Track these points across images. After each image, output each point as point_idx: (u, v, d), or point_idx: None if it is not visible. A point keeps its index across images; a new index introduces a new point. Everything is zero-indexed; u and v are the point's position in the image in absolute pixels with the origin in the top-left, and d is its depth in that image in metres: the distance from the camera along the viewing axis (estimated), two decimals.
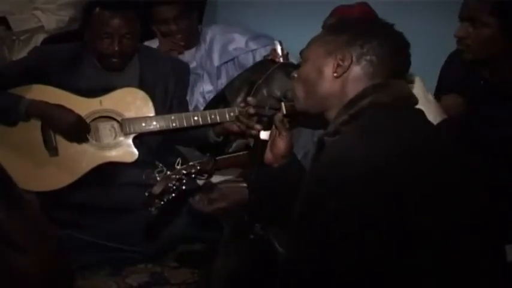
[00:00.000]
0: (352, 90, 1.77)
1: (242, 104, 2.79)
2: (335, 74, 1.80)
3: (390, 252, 1.54)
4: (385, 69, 1.79)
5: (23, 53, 3.52)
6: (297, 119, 2.09)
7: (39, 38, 3.82)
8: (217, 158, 2.31)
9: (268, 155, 2.02)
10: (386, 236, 1.53)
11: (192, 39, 3.80)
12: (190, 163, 2.19)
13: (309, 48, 1.91)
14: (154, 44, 3.73)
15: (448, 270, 1.57)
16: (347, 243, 1.55)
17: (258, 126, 2.03)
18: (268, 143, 2.04)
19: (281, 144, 2.00)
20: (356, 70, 1.79)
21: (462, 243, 1.60)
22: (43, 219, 1.13)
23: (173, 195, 2.10)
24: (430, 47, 3.42)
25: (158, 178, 2.11)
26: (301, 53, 2.33)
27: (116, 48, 3.00)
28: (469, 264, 1.60)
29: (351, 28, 1.85)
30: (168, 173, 2.11)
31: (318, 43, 1.88)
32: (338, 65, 1.80)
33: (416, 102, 1.83)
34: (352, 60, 1.79)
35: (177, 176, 2.10)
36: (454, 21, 2.71)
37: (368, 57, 1.79)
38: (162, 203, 2.12)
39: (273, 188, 1.97)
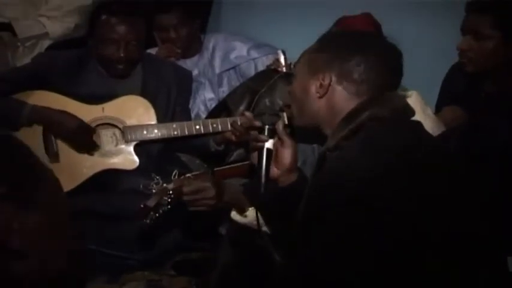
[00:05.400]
0: (339, 109, 1.77)
1: (241, 119, 2.79)
2: (317, 94, 1.80)
3: (391, 263, 1.54)
4: (370, 86, 1.77)
5: (27, 59, 3.53)
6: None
7: (44, 45, 3.82)
8: (214, 169, 2.29)
9: (274, 170, 1.98)
10: (388, 248, 1.54)
11: (192, 47, 3.81)
12: (187, 175, 2.18)
13: (297, 64, 1.91)
14: (154, 52, 3.74)
15: (448, 280, 1.57)
16: (349, 256, 1.55)
17: (263, 137, 1.99)
18: (273, 155, 2.01)
19: (286, 155, 1.98)
20: (338, 89, 1.78)
21: (463, 253, 1.61)
22: (63, 224, 1.11)
23: (169, 207, 2.10)
24: (432, 60, 3.42)
25: (154, 190, 2.10)
26: (294, 66, 2.33)
27: (122, 55, 3.01)
28: (469, 274, 1.60)
29: (331, 46, 1.83)
30: (164, 185, 2.10)
31: (303, 61, 1.88)
32: (321, 85, 1.79)
33: (413, 114, 1.82)
34: (331, 80, 1.78)
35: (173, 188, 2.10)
36: (457, 34, 2.71)
37: (349, 76, 1.77)
38: (157, 215, 2.11)
39: (283, 210, 1.92)
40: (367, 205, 1.55)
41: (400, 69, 1.84)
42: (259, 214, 1.95)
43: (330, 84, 1.78)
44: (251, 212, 2.02)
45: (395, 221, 1.55)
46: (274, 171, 1.98)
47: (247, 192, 2.09)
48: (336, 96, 1.78)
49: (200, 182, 2.05)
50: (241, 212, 2.05)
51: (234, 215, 2.07)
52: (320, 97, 1.80)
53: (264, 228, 1.98)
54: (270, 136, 1.98)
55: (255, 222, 1.98)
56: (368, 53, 1.79)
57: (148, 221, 2.14)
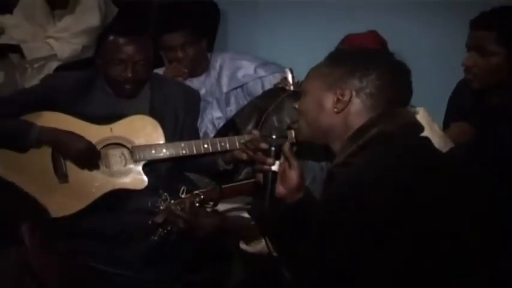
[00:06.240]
0: (355, 123, 1.78)
1: (248, 137, 2.80)
2: (335, 109, 1.81)
3: (398, 270, 1.58)
4: (385, 100, 1.79)
5: (35, 81, 3.56)
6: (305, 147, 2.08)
7: (52, 66, 3.85)
8: (223, 186, 2.30)
9: (280, 189, 1.96)
10: (395, 256, 1.58)
11: (199, 67, 3.83)
12: (195, 192, 2.20)
13: (307, 80, 1.92)
14: (162, 72, 3.75)
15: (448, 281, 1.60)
16: (360, 262, 1.58)
17: (270, 160, 1.97)
18: (278, 176, 2.00)
19: (293, 175, 1.95)
20: (356, 103, 1.80)
21: (466, 262, 1.63)
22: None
23: None
24: (440, 75, 3.43)
25: (162, 207, 2.11)
26: (300, 84, 2.34)
27: (130, 75, 3.02)
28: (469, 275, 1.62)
29: (348, 60, 1.85)
30: (172, 202, 2.11)
31: (316, 76, 1.88)
32: (338, 100, 1.80)
33: (423, 130, 1.84)
34: (351, 95, 1.79)
35: (181, 206, 2.10)
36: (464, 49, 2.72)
37: (367, 90, 1.79)
38: (165, 231, 2.12)
39: (290, 227, 1.92)
40: (376, 216, 1.58)
41: (410, 86, 1.85)
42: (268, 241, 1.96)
43: (350, 100, 1.79)
44: (259, 243, 2.02)
45: (404, 230, 1.58)
46: (281, 190, 1.96)
47: (253, 212, 2.10)
48: (352, 111, 1.80)
49: (197, 218, 2.06)
50: (249, 243, 2.05)
51: (242, 244, 2.08)
52: (338, 112, 1.80)
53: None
54: (276, 157, 1.98)
55: (264, 250, 1.98)
56: (384, 68, 1.81)
57: (156, 237, 2.15)
